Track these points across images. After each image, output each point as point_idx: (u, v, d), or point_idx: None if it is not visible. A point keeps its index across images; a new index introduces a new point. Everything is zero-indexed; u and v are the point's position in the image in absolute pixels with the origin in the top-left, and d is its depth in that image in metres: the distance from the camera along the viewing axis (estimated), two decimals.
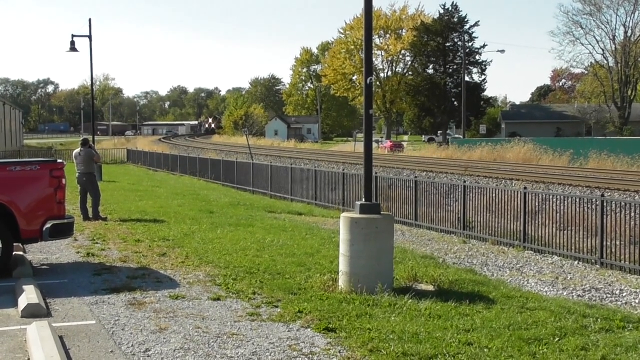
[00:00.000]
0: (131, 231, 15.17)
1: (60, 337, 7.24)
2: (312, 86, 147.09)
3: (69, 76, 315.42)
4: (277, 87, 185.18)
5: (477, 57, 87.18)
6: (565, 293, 10.54)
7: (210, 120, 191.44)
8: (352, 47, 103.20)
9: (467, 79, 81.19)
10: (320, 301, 8.71)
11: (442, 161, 46.82)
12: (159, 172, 43.12)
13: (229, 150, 68.10)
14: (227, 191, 28.69)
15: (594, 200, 13.92)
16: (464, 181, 18.00)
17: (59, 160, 11.75)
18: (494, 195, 16.14)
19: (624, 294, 10.65)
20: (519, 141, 52.35)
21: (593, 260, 13.00)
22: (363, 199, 9.83)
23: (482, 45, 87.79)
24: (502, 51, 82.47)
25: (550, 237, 14.16)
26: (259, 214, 19.31)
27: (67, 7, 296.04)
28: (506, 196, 15.75)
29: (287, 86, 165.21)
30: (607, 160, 41.17)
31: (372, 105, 10.10)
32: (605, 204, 13.13)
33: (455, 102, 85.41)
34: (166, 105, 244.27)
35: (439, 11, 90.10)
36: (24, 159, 13.86)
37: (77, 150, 18.23)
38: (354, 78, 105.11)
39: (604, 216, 12.96)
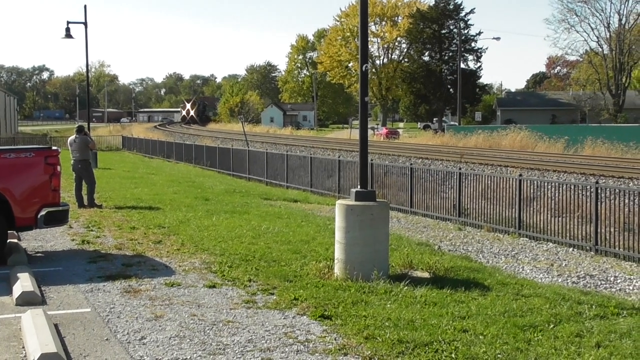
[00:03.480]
0: (126, 219, 15.14)
1: (56, 325, 7.23)
2: (308, 73, 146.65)
3: (65, 63, 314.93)
4: (273, 74, 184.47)
5: (472, 44, 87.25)
6: (560, 280, 10.56)
7: (188, 106, 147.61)
8: (348, 34, 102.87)
9: (462, 66, 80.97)
10: (315, 288, 8.71)
11: (437, 148, 46.77)
12: (154, 159, 43.07)
13: (225, 137, 67.96)
14: (222, 178, 28.66)
15: (588, 187, 13.93)
16: (460, 168, 18.00)
17: (53, 148, 11.72)
18: (489, 182, 16.13)
19: (618, 281, 10.67)
20: (514, 128, 52.34)
21: (588, 247, 13.02)
22: (359, 186, 9.83)
23: (477, 32, 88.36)
24: (498, 39, 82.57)
25: (546, 224, 14.17)
26: (255, 201, 19.28)
27: None
28: (502, 183, 15.74)
29: (283, 73, 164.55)
30: (602, 148, 41.20)
31: (368, 93, 10.08)
32: (599, 191, 13.14)
33: (450, 90, 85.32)
34: (162, 92, 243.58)
35: None
36: (19, 146, 13.80)
37: (72, 137, 18.16)
38: (349, 65, 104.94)
39: (599, 203, 12.96)
